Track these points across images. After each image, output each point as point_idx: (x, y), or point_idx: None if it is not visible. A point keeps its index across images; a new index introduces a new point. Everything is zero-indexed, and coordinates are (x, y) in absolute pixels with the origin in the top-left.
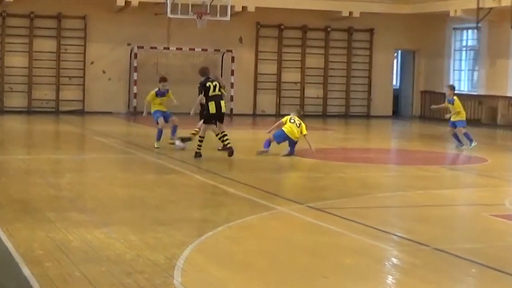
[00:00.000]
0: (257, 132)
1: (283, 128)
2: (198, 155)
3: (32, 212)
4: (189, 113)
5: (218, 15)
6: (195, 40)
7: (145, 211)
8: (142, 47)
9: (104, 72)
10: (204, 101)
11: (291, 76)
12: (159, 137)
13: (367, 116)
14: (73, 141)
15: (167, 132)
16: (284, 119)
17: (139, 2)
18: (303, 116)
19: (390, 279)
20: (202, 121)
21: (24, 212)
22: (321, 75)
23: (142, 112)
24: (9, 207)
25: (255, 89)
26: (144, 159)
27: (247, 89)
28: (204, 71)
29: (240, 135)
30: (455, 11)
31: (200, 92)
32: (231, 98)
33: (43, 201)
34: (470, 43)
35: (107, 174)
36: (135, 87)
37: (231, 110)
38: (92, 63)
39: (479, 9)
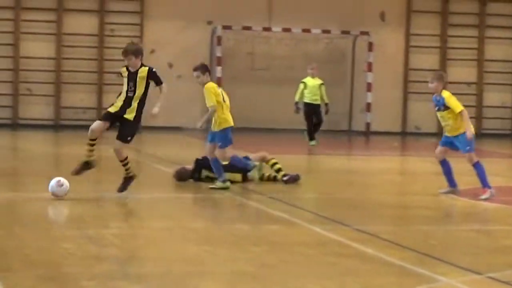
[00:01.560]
0: (408, 161)
1: None
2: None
3: (62, 281)
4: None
5: None
6: (311, 16)
7: (234, 282)
8: (230, 27)
9: (171, 66)
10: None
11: (461, 73)
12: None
13: None
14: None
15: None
16: None
17: None
18: (479, 136)
19: None
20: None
21: (50, 280)
22: (510, 71)
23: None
24: (27, 272)
25: (405, 93)
26: (233, 201)
27: (393, 93)
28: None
29: (382, 165)
30: None
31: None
32: (368, 108)
33: (77, 264)
34: None
35: (176, 223)
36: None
37: (368, 125)
38: (152, 52)
39: None
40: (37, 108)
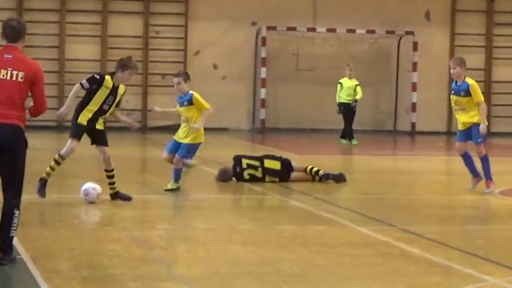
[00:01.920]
0: (454, 160)
1: None
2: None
3: (108, 283)
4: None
5: None
6: (355, 16)
7: (280, 283)
8: (274, 28)
9: (215, 67)
10: None
11: (507, 72)
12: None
13: None
14: (168, 173)
15: None
16: None
17: None
18: None
19: None
20: None
21: (96, 282)
22: None
23: (273, 128)
24: (72, 273)
25: (450, 92)
26: (278, 202)
27: (438, 93)
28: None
29: (427, 165)
30: None
31: None
32: (413, 107)
33: (123, 266)
34: None
35: (221, 224)
36: (263, 90)
37: (413, 125)
38: (196, 53)
39: None
40: None
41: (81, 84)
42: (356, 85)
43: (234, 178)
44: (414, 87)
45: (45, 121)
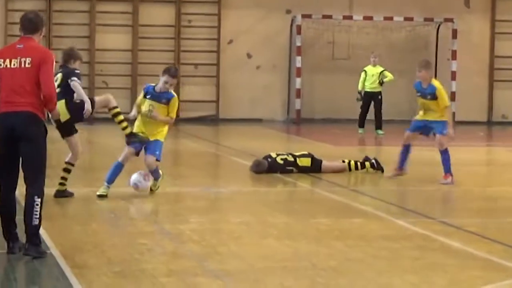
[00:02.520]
0: (495, 151)
1: None
2: None
3: (139, 278)
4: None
5: None
6: (393, 3)
7: (316, 277)
8: (310, 16)
9: (249, 56)
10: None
11: None
12: None
13: None
14: (201, 166)
15: None
16: None
17: None
18: None
19: None
20: None
21: (128, 277)
22: None
23: (308, 119)
24: (103, 269)
25: (491, 81)
26: (313, 194)
27: (479, 81)
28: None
29: (467, 156)
30: None
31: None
32: (452, 97)
33: (155, 261)
34: None
35: (255, 217)
36: (298, 80)
37: (453, 115)
38: (230, 42)
39: None
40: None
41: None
42: (382, 71)
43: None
44: (453, 76)
45: None
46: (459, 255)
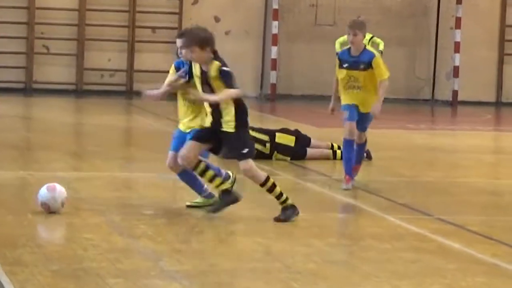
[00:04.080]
0: (504, 137)
1: None
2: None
3: (82, 278)
4: None
5: None
6: None
7: (290, 282)
8: None
9: (217, 19)
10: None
11: None
12: None
13: None
14: (157, 148)
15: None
16: None
17: None
18: None
19: None
20: None
21: (68, 277)
22: None
23: (286, 95)
24: (40, 267)
25: (501, 55)
26: (290, 183)
27: (486, 54)
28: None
29: (471, 142)
30: None
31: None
32: (455, 72)
33: (102, 258)
34: None
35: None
36: (274, 49)
37: (455, 94)
38: (195, 2)
39: None
40: (55, 70)
41: None
42: (371, 37)
43: None
44: (456, 47)
45: (9, 83)
46: (459, 258)
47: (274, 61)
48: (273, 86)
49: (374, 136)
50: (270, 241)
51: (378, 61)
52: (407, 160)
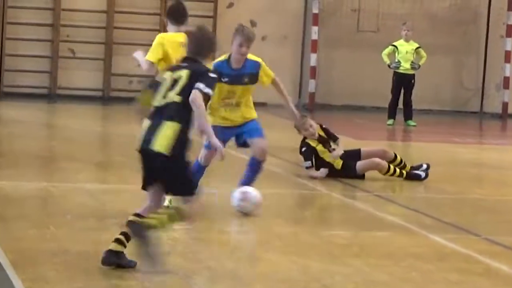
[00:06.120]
0: None
1: None
2: None
3: None
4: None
5: None
6: None
7: None
8: None
9: (253, 24)
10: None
11: None
12: None
13: None
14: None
15: None
16: None
17: None
18: None
19: None
20: None
21: None
22: None
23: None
24: (64, 283)
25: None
26: (331, 199)
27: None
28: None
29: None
30: None
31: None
32: (505, 83)
33: (129, 274)
34: None
35: (254, 225)
36: (313, 56)
37: (505, 106)
38: (230, 5)
39: None
40: (81, 75)
41: None
42: (417, 47)
43: None
44: (507, 57)
45: (34, 88)
46: (508, 282)
47: (313, 68)
48: (312, 95)
49: (418, 150)
50: (306, 260)
51: (265, 67)
52: (452, 175)
